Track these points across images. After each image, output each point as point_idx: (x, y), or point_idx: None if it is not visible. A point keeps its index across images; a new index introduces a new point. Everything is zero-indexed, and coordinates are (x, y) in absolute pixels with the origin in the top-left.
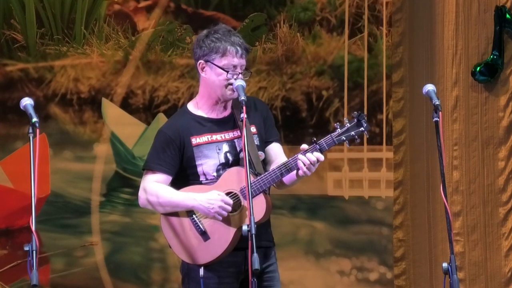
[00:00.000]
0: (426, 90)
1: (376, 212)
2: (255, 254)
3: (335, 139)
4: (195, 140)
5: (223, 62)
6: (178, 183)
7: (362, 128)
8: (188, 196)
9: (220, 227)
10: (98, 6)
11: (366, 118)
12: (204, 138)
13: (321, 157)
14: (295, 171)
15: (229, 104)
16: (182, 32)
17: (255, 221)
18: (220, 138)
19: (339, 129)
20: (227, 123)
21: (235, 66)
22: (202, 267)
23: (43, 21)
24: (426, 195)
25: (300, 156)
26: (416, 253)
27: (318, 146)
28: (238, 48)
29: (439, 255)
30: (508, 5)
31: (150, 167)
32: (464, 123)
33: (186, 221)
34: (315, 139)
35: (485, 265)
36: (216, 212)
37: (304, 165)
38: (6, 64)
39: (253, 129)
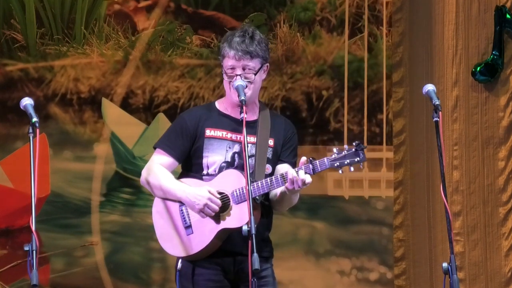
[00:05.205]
0: (426, 90)
1: (376, 212)
2: (255, 254)
3: (329, 163)
4: (209, 132)
5: (225, 63)
6: (182, 172)
7: (358, 159)
8: (179, 187)
9: (204, 225)
10: (98, 6)
11: (364, 149)
12: (218, 133)
13: (309, 179)
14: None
15: (256, 109)
16: (182, 32)
17: (234, 227)
18: (235, 138)
19: (336, 154)
20: (248, 127)
21: (233, 68)
22: (180, 260)
23: (43, 21)
24: (426, 195)
25: (290, 169)
26: (416, 253)
27: (311, 166)
28: (233, 50)
29: (439, 255)
30: (508, 5)
31: (160, 147)
32: (464, 123)
33: (175, 210)
34: (311, 158)
35: (485, 265)
36: (201, 209)
37: (292, 179)
38: (6, 64)
39: (270, 141)
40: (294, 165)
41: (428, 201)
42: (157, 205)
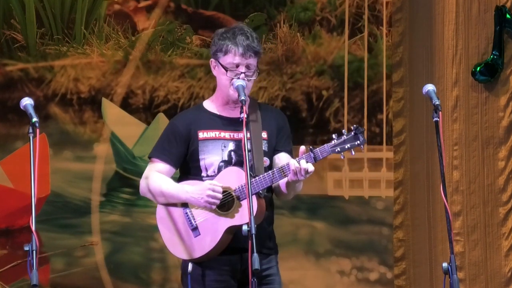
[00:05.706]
0: (426, 90)
1: (376, 212)
2: (255, 254)
3: (329, 149)
4: (202, 134)
5: (226, 60)
6: (181, 176)
7: (358, 142)
8: (181, 189)
9: (211, 225)
10: (98, 6)
11: (363, 132)
12: (211, 134)
13: (311, 168)
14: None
15: (246, 105)
16: (182, 32)
17: (244, 222)
18: (228, 136)
19: (335, 140)
20: (240, 124)
21: (237, 66)
22: (190, 263)
23: (43, 21)
24: (426, 195)
25: (292, 160)
26: (416, 253)
27: (312, 154)
28: (241, 47)
29: (439, 255)
30: (508, 5)
31: (155, 156)
32: (464, 123)
33: (180, 214)
34: (311, 147)
35: (485, 265)
36: (206, 201)
37: (294, 170)
38: (6, 64)
39: (264, 134)
40: (290, 152)
41: (428, 201)
42: (160, 212)
